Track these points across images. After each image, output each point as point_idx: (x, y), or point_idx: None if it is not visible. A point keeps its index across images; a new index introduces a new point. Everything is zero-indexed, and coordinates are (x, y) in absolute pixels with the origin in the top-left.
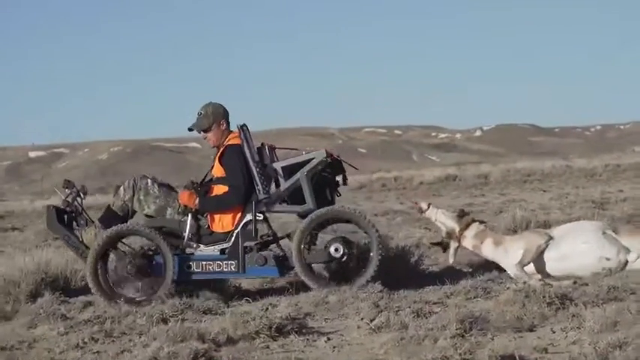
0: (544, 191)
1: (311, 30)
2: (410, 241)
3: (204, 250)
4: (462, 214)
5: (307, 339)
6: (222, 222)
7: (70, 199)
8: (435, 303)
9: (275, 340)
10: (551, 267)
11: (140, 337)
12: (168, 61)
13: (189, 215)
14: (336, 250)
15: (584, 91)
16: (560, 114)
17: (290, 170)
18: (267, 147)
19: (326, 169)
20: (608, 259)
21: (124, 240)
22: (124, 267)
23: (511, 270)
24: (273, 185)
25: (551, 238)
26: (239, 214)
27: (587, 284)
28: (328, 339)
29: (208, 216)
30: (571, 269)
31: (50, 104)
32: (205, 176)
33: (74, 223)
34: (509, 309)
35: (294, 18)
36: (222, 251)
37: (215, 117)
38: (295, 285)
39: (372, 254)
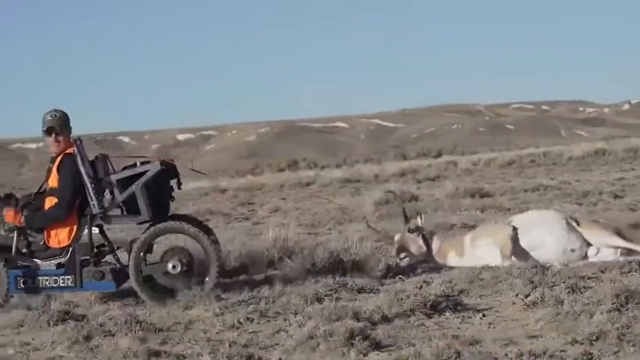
0: None
1: (456, 6)
2: None
3: (40, 265)
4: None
5: (462, 316)
6: (59, 237)
7: None
8: (589, 278)
9: (430, 318)
10: (523, 256)
11: (295, 317)
12: (314, 40)
13: (15, 232)
14: (174, 267)
15: None
16: None
17: (125, 182)
18: (101, 159)
19: (162, 176)
20: (572, 251)
21: None
22: None
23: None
24: (109, 197)
25: (515, 228)
26: (75, 229)
27: None
28: (483, 315)
29: (45, 231)
30: (537, 259)
31: (198, 86)
32: (41, 186)
33: None
34: None
35: None
36: (59, 266)
37: (66, 123)
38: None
39: (208, 272)
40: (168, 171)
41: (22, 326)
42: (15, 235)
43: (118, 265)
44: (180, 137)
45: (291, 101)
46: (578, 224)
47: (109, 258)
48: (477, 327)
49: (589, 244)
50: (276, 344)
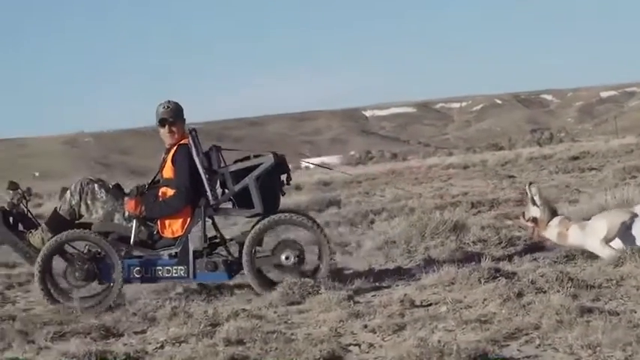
0: None
1: None
2: None
3: (154, 255)
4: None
5: None
6: (172, 227)
7: (15, 202)
8: None
9: None
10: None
11: None
12: None
13: (135, 221)
14: (287, 258)
15: None
16: None
17: (238, 174)
18: (214, 150)
19: (274, 170)
20: None
21: (71, 244)
22: (72, 271)
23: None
24: (220, 189)
25: (635, 214)
26: (188, 220)
27: None
28: None
29: (158, 221)
30: None
31: (622, 42)
32: (154, 177)
33: (20, 226)
34: None
35: None
36: (172, 256)
37: (179, 114)
38: None
39: (321, 263)
40: (281, 165)
41: (454, 284)
42: (134, 225)
43: (229, 257)
44: (604, 94)
45: None
46: None
47: (219, 250)
48: None
49: None
50: None
